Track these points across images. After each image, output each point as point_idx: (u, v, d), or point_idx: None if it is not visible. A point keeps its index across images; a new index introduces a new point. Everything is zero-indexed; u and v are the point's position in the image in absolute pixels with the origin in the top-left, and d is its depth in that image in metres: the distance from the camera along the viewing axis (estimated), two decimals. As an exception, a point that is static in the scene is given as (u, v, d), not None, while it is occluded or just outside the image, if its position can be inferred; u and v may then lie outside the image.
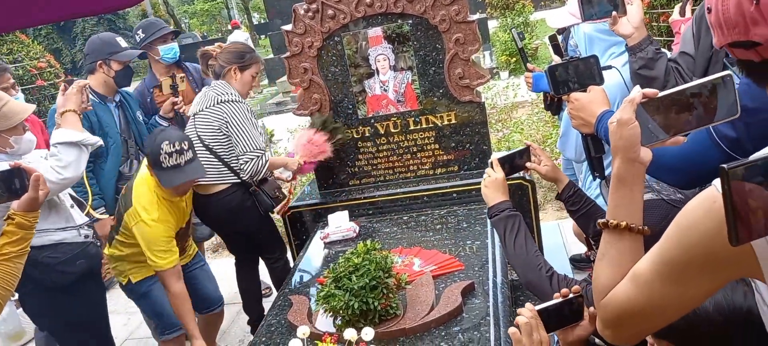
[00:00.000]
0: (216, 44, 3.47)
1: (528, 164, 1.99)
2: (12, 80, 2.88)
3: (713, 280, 0.88)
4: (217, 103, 2.82)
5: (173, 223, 2.58)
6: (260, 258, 3.28)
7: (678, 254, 0.88)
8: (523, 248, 1.76)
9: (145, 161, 2.60)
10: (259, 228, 3.07)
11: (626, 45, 2.01)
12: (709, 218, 0.82)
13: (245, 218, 2.96)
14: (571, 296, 1.42)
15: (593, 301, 1.09)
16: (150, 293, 2.72)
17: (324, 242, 2.86)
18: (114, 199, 3.11)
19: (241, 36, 17.43)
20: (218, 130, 2.82)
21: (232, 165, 2.86)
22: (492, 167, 1.94)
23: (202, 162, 2.75)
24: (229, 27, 20.80)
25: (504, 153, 1.98)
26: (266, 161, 2.88)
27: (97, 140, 2.52)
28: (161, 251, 2.49)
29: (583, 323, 1.43)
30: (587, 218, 1.93)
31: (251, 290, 3.32)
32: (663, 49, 2.01)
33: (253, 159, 2.84)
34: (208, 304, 2.96)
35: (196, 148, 2.68)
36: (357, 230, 2.87)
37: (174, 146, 2.44)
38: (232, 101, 2.84)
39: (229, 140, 2.83)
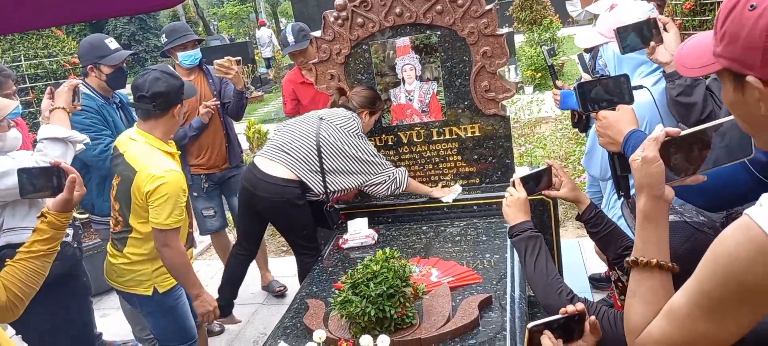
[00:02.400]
0: (225, 58, 3.56)
1: (546, 192, 1.98)
2: (14, 88, 2.89)
3: (752, 312, 0.86)
4: (353, 134, 2.91)
5: (183, 173, 2.49)
6: (295, 252, 3.28)
7: (715, 285, 0.86)
8: (543, 271, 1.75)
9: (129, 132, 2.50)
10: (306, 224, 3.03)
11: (664, 72, 2.00)
12: (745, 247, 0.81)
13: (297, 213, 2.96)
14: (576, 314, 1.44)
15: (625, 335, 1.07)
16: (177, 305, 2.60)
17: (342, 248, 2.87)
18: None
19: (266, 32, 17.91)
20: (339, 148, 2.89)
21: (324, 177, 2.90)
22: (514, 186, 1.93)
23: (303, 152, 2.86)
24: (258, 26, 21.13)
25: (526, 172, 1.97)
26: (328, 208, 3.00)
27: (84, 138, 2.47)
28: (180, 210, 2.35)
29: (586, 335, 1.45)
30: (608, 240, 1.91)
31: (235, 280, 3.31)
32: (700, 77, 2.00)
33: (339, 191, 2.95)
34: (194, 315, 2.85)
35: (303, 142, 2.87)
36: (375, 238, 2.88)
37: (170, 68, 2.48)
38: (362, 137, 2.97)
39: (338, 158, 2.91)
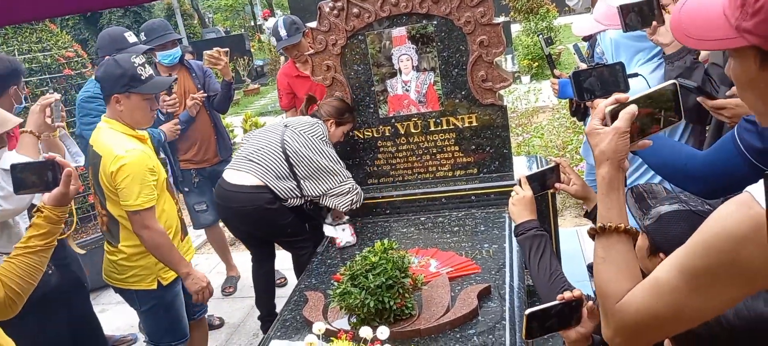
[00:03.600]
0: (214, 49, 3.57)
1: (557, 185, 1.97)
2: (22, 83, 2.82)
3: (741, 288, 0.86)
4: (317, 139, 2.90)
5: (152, 154, 2.46)
6: (287, 250, 3.29)
7: (706, 260, 0.86)
8: (546, 270, 1.76)
9: (100, 122, 2.45)
10: (285, 225, 3.02)
11: (664, 53, 2.00)
12: (743, 224, 0.80)
13: (273, 217, 2.94)
14: (572, 301, 1.45)
15: (600, 308, 1.08)
16: (176, 301, 2.58)
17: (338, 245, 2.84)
18: None
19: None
20: (305, 154, 2.88)
21: (299, 184, 2.90)
22: (520, 186, 1.94)
23: (268, 160, 2.84)
24: (262, 19, 20.92)
25: (532, 171, 1.97)
26: (308, 206, 3.04)
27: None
28: (149, 189, 2.31)
29: (583, 321, 1.46)
30: None
31: (265, 287, 3.35)
32: (700, 60, 2.00)
33: (312, 196, 2.93)
34: (196, 310, 2.86)
35: (268, 149, 2.85)
36: (354, 239, 2.85)
37: (141, 58, 2.39)
38: (326, 142, 2.95)
39: (304, 164, 2.89)
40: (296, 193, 2.91)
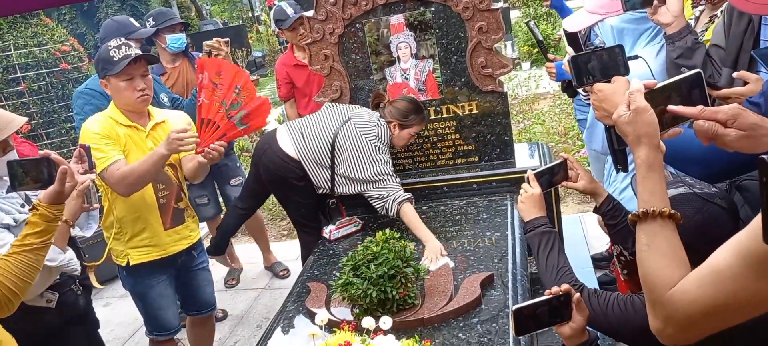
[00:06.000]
0: (214, 39, 3.53)
1: (564, 183, 1.96)
2: None
3: None
4: (369, 142, 2.73)
5: (122, 146, 2.40)
6: (295, 227, 3.26)
7: None
8: (554, 266, 1.75)
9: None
10: (302, 205, 2.97)
11: (665, 33, 1.98)
12: None
13: (295, 194, 2.92)
14: (560, 295, 1.44)
15: (645, 299, 1.02)
16: (147, 295, 2.58)
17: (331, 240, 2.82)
18: None
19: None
20: (350, 154, 2.76)
21: (333, 178, 2.81)
22: (528, 182, 1.92)
23: (315, 142, 2.77)
24: (267, 6, 20.71)
25: (540, 168, 1.96)
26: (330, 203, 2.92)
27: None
28: (101, 150, 2.28)
29: (573, 315, 1.45)
30: (626, 233, 1.88)
31: (226, 232, 3.30)
32: (701, 41, 1.98)
33: (341, 194, 2.85)
34: (200, 306, 2.84)
35: (321, 133, 2.78)
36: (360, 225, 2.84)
37: (117, 41, 2.38)
38: (378, 149, 2.75)
39: (348, 164, 2.78)
40: (328, 185, 2.83)
